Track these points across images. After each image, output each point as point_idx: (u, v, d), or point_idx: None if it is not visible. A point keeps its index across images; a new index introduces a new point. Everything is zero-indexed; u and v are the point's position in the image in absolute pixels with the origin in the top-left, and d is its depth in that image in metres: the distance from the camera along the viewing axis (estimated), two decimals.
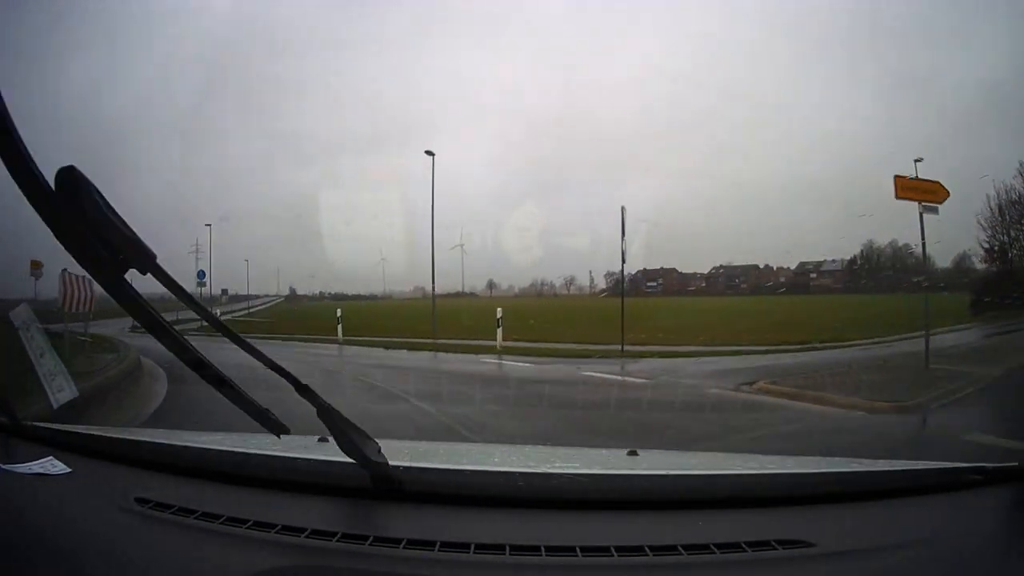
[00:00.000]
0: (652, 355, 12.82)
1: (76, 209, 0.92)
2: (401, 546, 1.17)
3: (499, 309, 15.50)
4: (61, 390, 1.97)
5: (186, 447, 1.64)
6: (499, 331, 15.17)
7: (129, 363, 8.63)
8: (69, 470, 1.47)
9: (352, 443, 1.28)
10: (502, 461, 1.91)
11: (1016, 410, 6.77)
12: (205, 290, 23.59)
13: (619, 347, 13.83)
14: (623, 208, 15.64)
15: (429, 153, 19.38)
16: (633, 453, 1.83)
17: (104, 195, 0.96)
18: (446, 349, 15.16)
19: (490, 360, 13.18)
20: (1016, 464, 1.42)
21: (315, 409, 1.29)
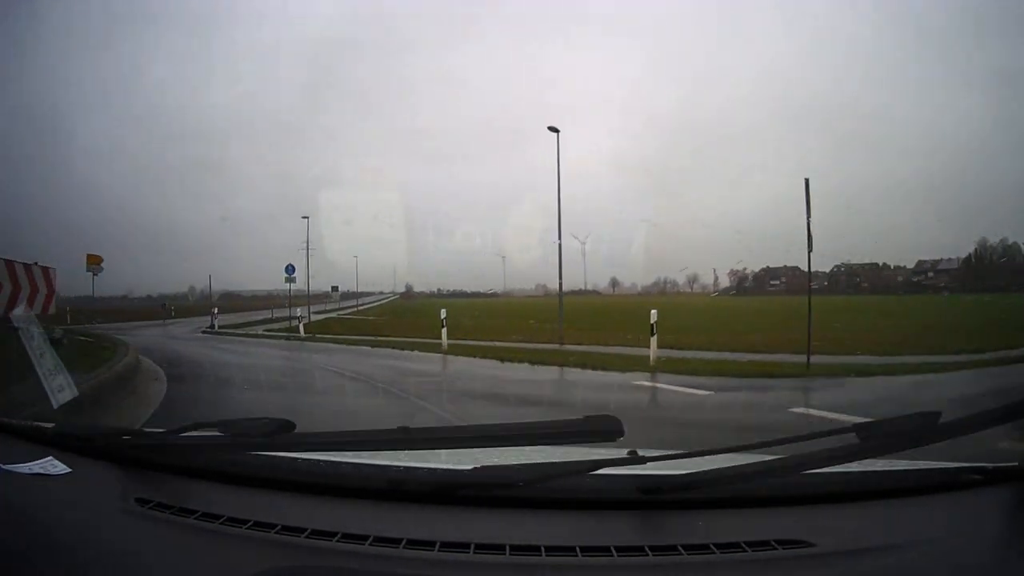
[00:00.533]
0: (847, 370, 9.22)
1: None
2: (401, 546, 1.17)
3: (654, 311, 11.04)
4: (61, 390, 1.97)
5: (186, 447, 1.64)
6: (653, 340, 10.93)
7: (126, 365, 8.61)
8: (69, 470, 1.47)
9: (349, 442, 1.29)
10: (502, 461, 1.91)
11: None
12: (297, 286, 23.31)
13: (803, 358, 9.99)
14: (807, 181, 11.27)
15: (553, 129, 16.95)
16: (633, 453, 1.83)
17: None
18: (576, 362, 11.05)
19: (643, 383, 8.92)
20: (1016, 464, 1.42)
21: (315, 409, 1.29)
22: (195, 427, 1.57)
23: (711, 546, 1.18)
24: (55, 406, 1.94)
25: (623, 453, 1.84)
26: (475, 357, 12.53)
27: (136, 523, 1.30)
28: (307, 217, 24.36)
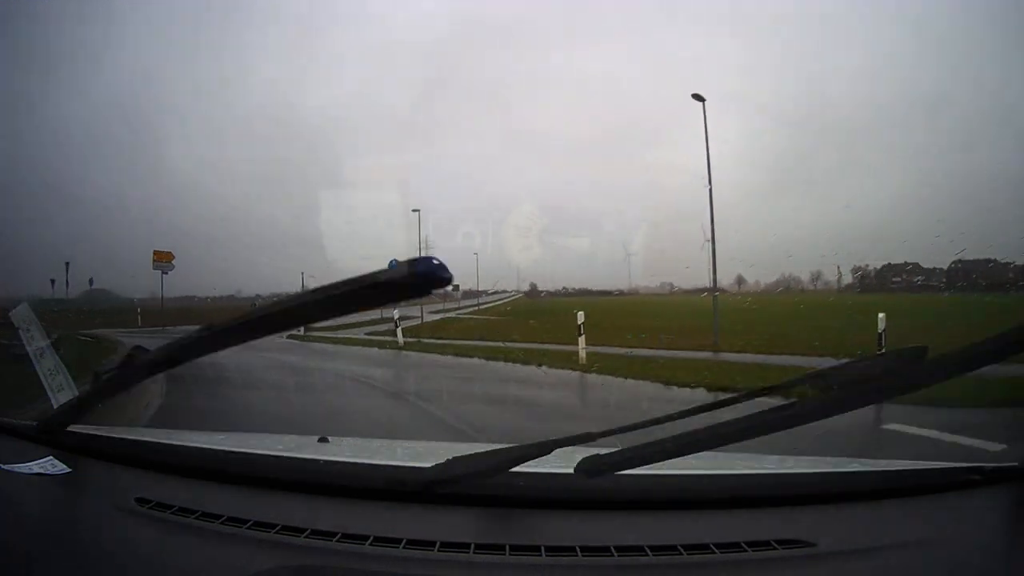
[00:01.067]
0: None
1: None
2: (401, 546, 1.17)
3: (881, 316, 9.16)
4: (61, 390, 1.97)
5: (186, 447, 1.64)
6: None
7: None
8: (69, 470, 1.47)
9: (344, 442, 1.29)
10: None
11: None
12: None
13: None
14: None
15: (698, 98, 14.47)
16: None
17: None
18: (752, 374, 8.53)
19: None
20: (1015, 464, 1.42)
21: (317, 409, 1.29)
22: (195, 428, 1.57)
23: (711, 546, 1.18)
24: (55, 405, 1.94)
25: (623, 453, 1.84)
26: (626, 377, 9.02)
27: (136, 523, 1.30)
28: (417, 210, 21.59)
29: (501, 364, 11.56)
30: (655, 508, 1.34)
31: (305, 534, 1.21)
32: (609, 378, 9.23)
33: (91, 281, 19.80)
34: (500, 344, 14.08)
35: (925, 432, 5.09)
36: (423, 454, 1.91)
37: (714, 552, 1.17)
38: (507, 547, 1.17)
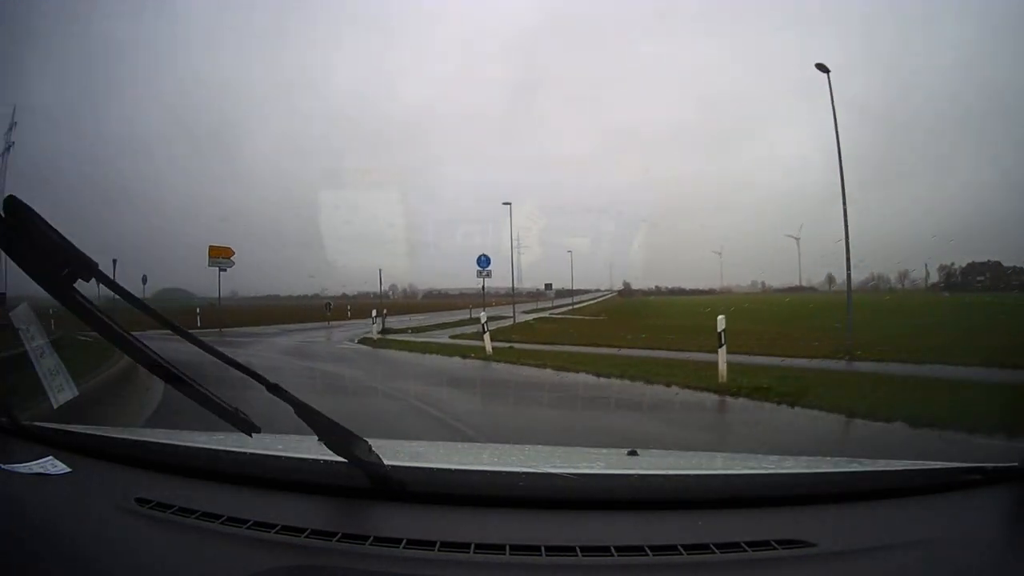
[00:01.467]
0: None
1: (23, 231, 1.03)
2: (401, 546, 1.17)
3: None
4: (61, 390, 1.97)
5: (186, 447, 1.64)
6: None
7: (125, 364, 8.58)
8: (69, 470, 1.47)
9: (340, 442, 1.29)
10: (502, 461, 1.92)
11: None
12: (499, 283, 21.23)
13: None
14: None
15: (822, 68, 12.87)
16: (633, 453, 1.83)
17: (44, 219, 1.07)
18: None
19: None
20: (1016, 464, 1.42)
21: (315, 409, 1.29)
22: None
23: (711, 546, 1.18)
24: (55, 406, 1.94)
25: (623, 453, 1.84)
26: (811, 408, 6.25)
27: (136, 523, 1.29)
28: (509, 203, 20.02)
29: (618, 383, 8.42)
30: (655, 508, 1.34)
31: (305, 534, 1.21)
32: (783, 411, 6.33)
33: (144, 279, 18.63)
34: (608, 351, 11.82)
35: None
36: (424, 454, 1.91)
37: (714, 552, 1.17)
38: (507, 547, 1.17)
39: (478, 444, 2.42)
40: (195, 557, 1.19)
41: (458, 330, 18.08)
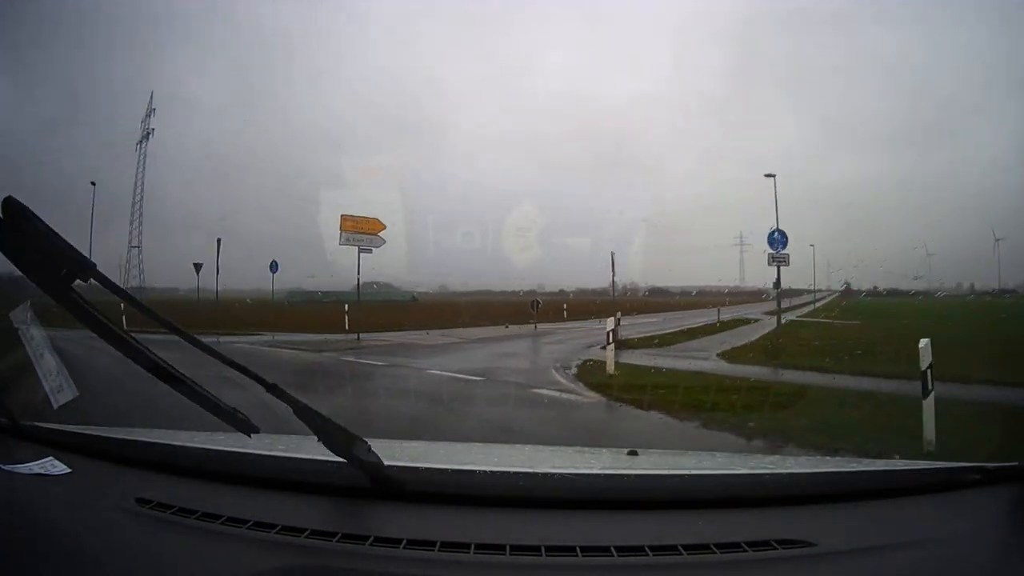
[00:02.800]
0: None
1: (21, 232, 1.04)
2: (401, 546, 1.17)
3: None
4: (61, 390, 1.97)
5: (186, 447, 1.64)
6: None
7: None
8: (69, 470, 1.47)
9: (339, 442, 1.29)
10: (502, 461, 1.91)
11: None
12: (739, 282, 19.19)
13: None
14: None
15: None
16: (633, 453, 1.83)
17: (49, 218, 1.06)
18: None
19: None
20: (1016, 464, 1.42)
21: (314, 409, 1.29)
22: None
23: (711, 546, 1.18)
24: (55, 406, 1.94)
25: (623, 453, 1.84)
26: None
27: (136, 523, 1.29)
28: (773, 175, 14.41)
29: None
30: (655, 508, 1.34)
31: (305, 534, 1.21)
32: None
33: (274, 264, 16.27)
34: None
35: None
36: (424, 455, 1.91)
37: (714, 552, 1.17)
38: (507, 547, 1.17)
39: (478, 444, 2.43)
40: (195, 557, 1.19)
41: (718, 340, 13.81)
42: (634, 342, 12.92)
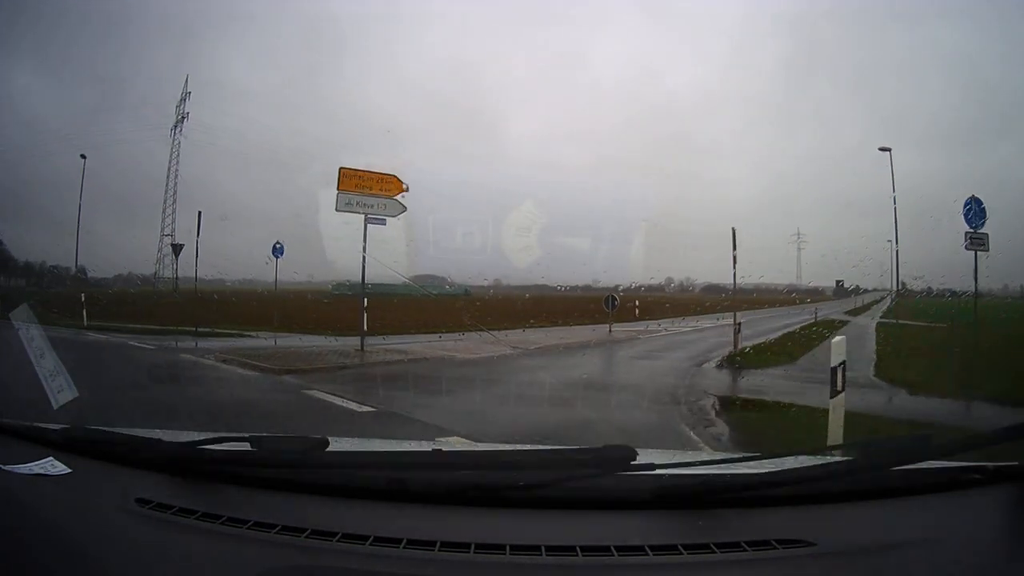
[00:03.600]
0: None
1: None
2: (401, 546, 1.17)
3: None
4: (61, 390, 1.97)
5: (186, 448, 1.64)
6: None
7: None
8: (69, 470, 1.47)
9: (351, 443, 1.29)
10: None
11: None
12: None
13: None
14: None
15: None
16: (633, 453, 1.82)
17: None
18: None
19: None
20: (1017, 463, 1.42)
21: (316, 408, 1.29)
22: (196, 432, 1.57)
23: (711, 546, 1.18)
24: (55, 406, 1.94)
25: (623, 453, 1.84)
26: None
27: (136, 523, 1.29)
28: (889, 149, 13.78)
29: None
30: (655, 508, 1.34)
31: (305, 534, 1.21)
32: None
33: (277, 248, 14.23)
34: None
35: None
36: (424, 455, 1.91)
37: (714, 552, 1.17)
38: (507, 547, 1.17)
39: (478, 444, 2.42)
40: (195, 557, 1.19)
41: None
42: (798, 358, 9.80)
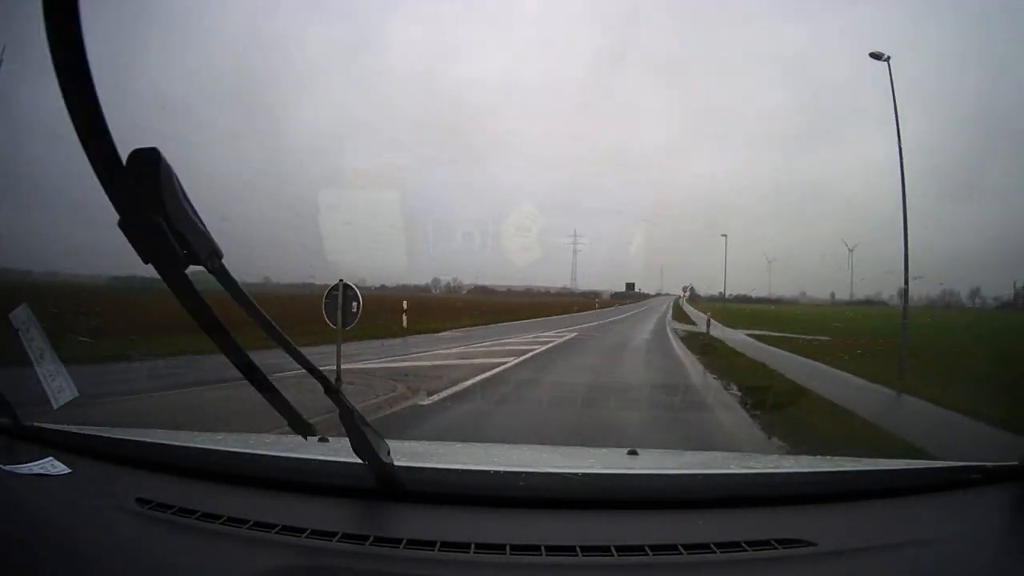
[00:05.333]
0: None
1: (151, 196, 0.86)
2: (401, 546, 1.17)
3: None
4: (61, 390, 1.97)
5: (186, 447, 1.64)
6: None
7: None
8: (69, 470, 1.47)
9: (365, 444, 1.28)
10: (502, 461, 1.92)
11: None
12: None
13: None
14: None
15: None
16: (633, 453, 1.83)
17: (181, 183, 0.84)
18: None
19: None
20: (1016, 463, 1.42)
21: (322, 407, 1.29)
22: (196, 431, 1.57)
23: (711, 546, 1.18)
24: (55, 406, 1.94)
25: (623, 453, 1.85)
26: None
27: (136, 523, 1.30)
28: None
29: None
30: (655, 508, 1.34)
31: (305, 534, 1.21)
32: None
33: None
34: None
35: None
36: (424, 454, 1.91)
37: (714, 552, 1.17)
38: (507, 547, 1.17)
39: (478, 444, 2.42)
40: (195, 558, 1.19)
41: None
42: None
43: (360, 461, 1.35)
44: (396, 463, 1.35)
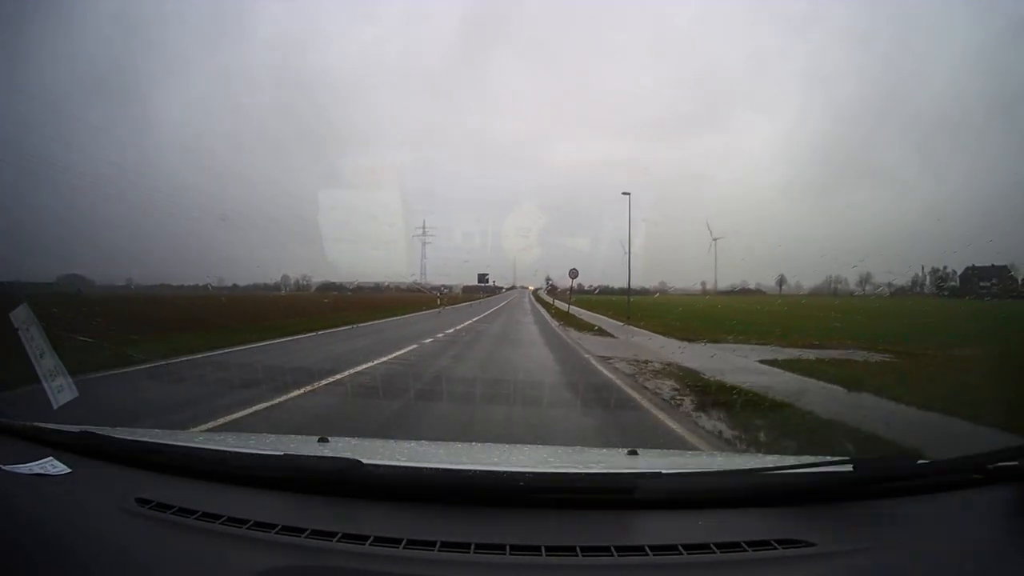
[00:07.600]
0: None
1: None
2: (401, 546, 1.17)
3: None
4: (61, 390, 1.97)
5: (186, 447, 1.64)
6: None
7: None
8: (69, 470, 1.47)
9: (365, 445, 1.28)
10: (502, 461, 1.92)
11: None
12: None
13: None
14: None
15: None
16: (633, 453, 1.83)
17: None
18: None
19: None
20: (1016, 464, 1.42)
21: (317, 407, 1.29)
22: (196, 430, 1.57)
23: (711, 546, 1.18)
24: (55, 406, 1.94)
25: (623, 453, 1.84)
26: None
27: (136, 523, 1.29)
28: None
29: None
30: (655, 508, 1.34)
31: (305, 534, 1.21)
32: None
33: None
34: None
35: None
36: (424, 455, 1.91)
37: (714, 552, 1.17)
38: (507, 547, 1.17)
39: (478, 444, 2.42)
40: (195, 557, 1.19)
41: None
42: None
43: (360, 461, 1.35)
44: (396, 463, 1.35)
